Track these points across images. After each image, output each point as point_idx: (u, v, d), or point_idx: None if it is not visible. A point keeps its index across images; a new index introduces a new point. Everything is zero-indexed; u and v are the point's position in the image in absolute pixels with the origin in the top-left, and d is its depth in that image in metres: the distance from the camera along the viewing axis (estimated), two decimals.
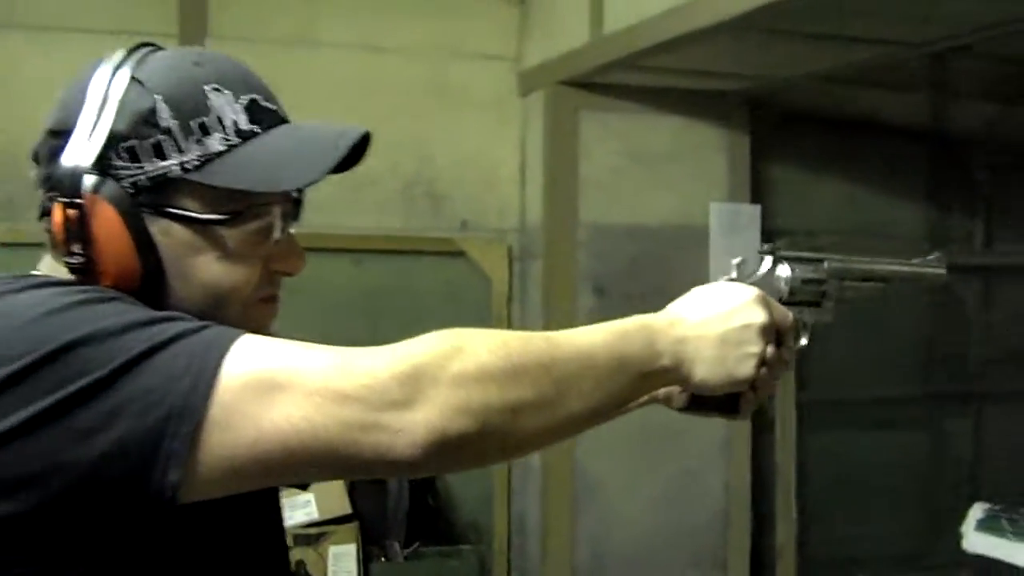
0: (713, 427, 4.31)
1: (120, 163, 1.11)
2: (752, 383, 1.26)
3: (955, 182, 5.25)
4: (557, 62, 3.96)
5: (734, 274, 1.37)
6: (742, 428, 4.40)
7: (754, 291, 1.28)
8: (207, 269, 1.15)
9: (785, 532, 4.55)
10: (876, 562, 4.73)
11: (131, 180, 1.11)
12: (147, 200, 1.12)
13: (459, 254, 4.22)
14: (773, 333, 1.27)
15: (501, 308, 4.28)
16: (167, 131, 1.12)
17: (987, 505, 4.20)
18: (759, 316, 1.26)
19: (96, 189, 1.11)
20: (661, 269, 4.27)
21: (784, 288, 1.36)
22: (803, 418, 4.64)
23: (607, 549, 4.22)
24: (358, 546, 3.62)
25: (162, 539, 1.07)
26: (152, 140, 1.12)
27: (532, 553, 4.25)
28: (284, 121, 1.19)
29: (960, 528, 4.22)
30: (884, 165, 4.98)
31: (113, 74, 1.13)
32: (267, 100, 1.18)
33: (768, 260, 1.37)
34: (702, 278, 4.07)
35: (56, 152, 1.13)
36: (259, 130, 1.16)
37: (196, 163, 1.12)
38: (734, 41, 3.29)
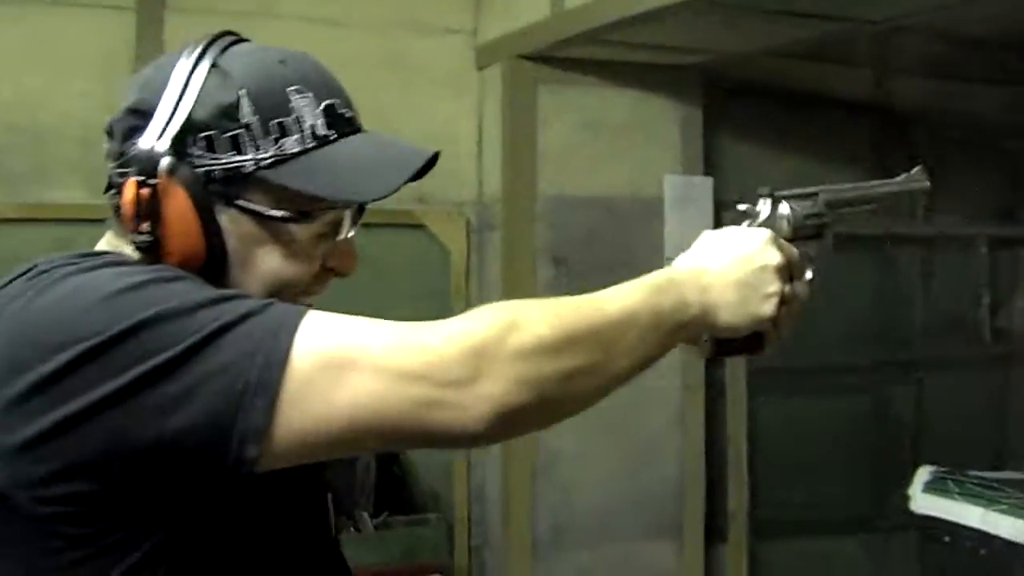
0: (668, 398, 4.39)
1: (196, 150, 1.14)
2: (773, 320, 1.32)
3: (898, 155, 5.34)
4: (516, 36, 3.99)
5: (742, 207, 1.43)
6: (696, 398, 4.48)
7: (765, 233, 1.34)
8: (269, 261, 1.19)
9: (737, 498, 4.64)
10: (825, 525, 4.84)
11: (204, 168, 1.14)
12: (218, 189, 1.15)
13: (418, 227, 4.25)
14: (787, 271, 1.33)
15: (460, 280, 4.31)
16: (246, 126, 1.15)
17: (933, 468, 4.32)
18: (775, 256, 1.32)
19: (171, 172, 1.13)
20: (618, 240, 4.32)
21: (787, 227, 1.40)
22: (753, 387, 4.73)
23: (566, 518, 4.27)
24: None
25: (231, 507, 1.11)
26: (230, 133, 1.15)
27: (492, 522, 4.29)
28: (359, 129, 1.23)
29: (907, 491, 4.34)
30: (830, 139, 5.06)
31: (198, 61, 1.16)
32: (345, 106, 1.22)
33: (768, 202, 1.41)
34: (657, 248, 4.14)
35: (134, 131, 1.16)
36: (334, 136, 1.19)
37: (270, 161, 1.16)
38: (696, 17, 3.34)
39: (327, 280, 1.27)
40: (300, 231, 1.20)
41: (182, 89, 1.15)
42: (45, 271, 1.10)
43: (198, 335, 1.02)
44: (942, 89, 5.28)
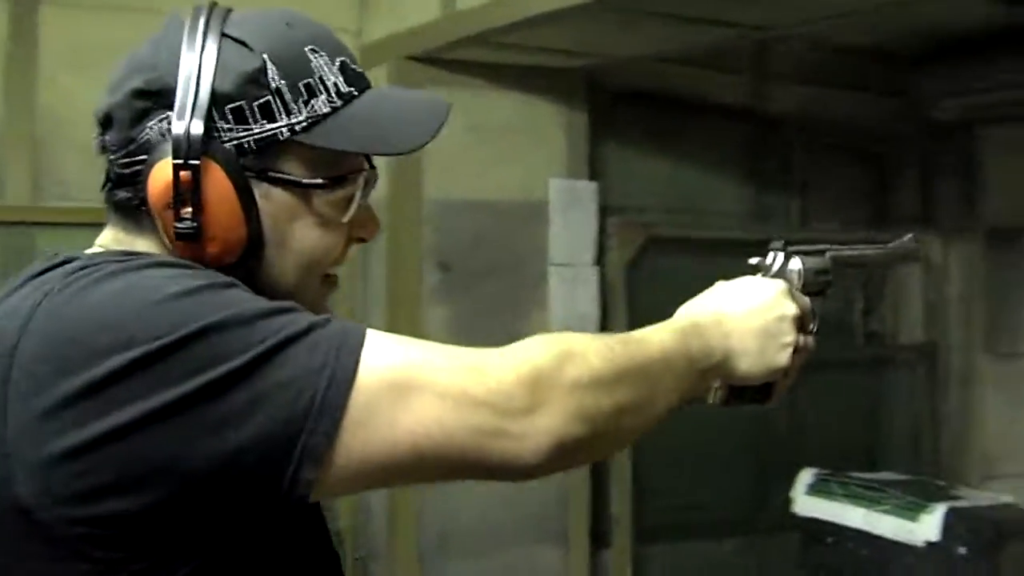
0: None
1: (223, 124, 1.07)
2: (786, 370, 1.31)
3: (773, 161, 5.44)
4: (405, 37, 3.93)
5: (755, 260, 1.47)
6: None
7: (781, 284, 1.38)
8: (303, 235, 1.12)
9: (621, 503, 4.64)
10: (708, 527, 4.88)
11: (236, 142, 1.07)
12: (250, 163, 1.08)
13: None
14: (801, 322, 1.36)
15: (344, 285, 4.22)
16: (276, 92, 1.09)
17: (815, 470, 4.39)
18: (791, 308, 1.34)
19: (208, 151, 1.06)
20: (503, 244, 4.30)
21: (798, 281, 1.42)
22: None
23: (452, 527, 4.22)
24: None
25: (268, 537, 1.04)
26: (260, 101, 1.08)
27: (377, 533, 4.22)
28: (369, 84, 1.18)
29: (790, 493, 4.39)
30: (709, 144, 5.12)
31: (205, 33, 1.09)
32: (354, 63, 1.17)
33: (780, 255, 1.44)
34: (542, 253, 4.11)
35: (144, 114, 1.08)
36: (356, 93, 1.14)
37: (304, 125, 1.09)
38: (591, 20, 3.32)
39: (347, 251, 1.22)
40: (330, 199, 1.14)
41: (198, 63, 1.07)
42: (89, 266, 1.02)
43: (262, 346, 0.95)
44: (816, 96, 5.38)
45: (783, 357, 1.32)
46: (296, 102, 1.09)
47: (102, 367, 0.93)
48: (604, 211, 4.61)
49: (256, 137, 1.08)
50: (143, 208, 1.09)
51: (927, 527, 3.87)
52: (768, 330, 1.31)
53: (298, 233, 1.12)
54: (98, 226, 1.16)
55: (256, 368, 0.94)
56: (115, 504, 0.93)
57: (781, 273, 1.43)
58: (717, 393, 1.39)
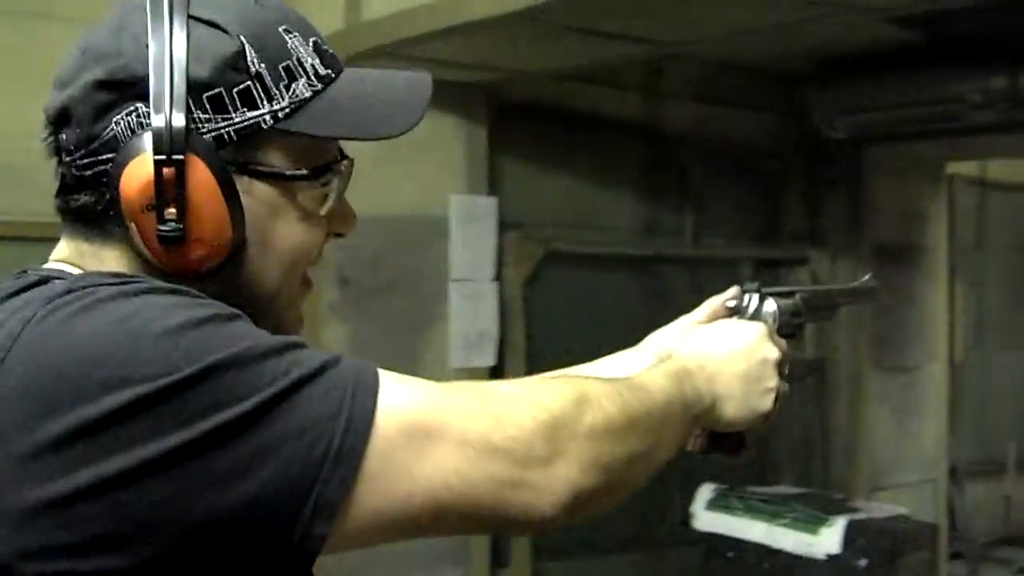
0: None
1: (202, 115, 0.97)
2: (767, 416, 1.28)
3: (668, 177, 5.47)
4: None
5: (733, 292, 1.43)
6: None
7: (762, 327, 1.32)
8: (287, 232, 1.04)
9: None
10: (607, 543, 4.87)
11: (215, 133, 0.98)
12: (231, 156, 0.99)
13: None
14: (782, 366, 1.31)
15: None
16: (257, 77, 1.00)
17: (714, 485, 4.41)
18: (773, 351, 1.30)
19: (189, 145, 0.96)
20: (403, 260, 4.25)
21: (772, 323, 1.39)
22: None
23: (357, 552, 4.13)
24: None
25: None
26: (240, 87, 0.99)
27: None
28: (343, 66, 1.10)
29: (690, 508, 4.40)
30: (604, 160, 5.13)
31: (171, 16, 0.98)
32: (325, 43, 1.08)
33: (756, 297, 1.41)
34: (442, 269, 4.06)
35: (108, 107, 0.97)
36: (333, 75, 1.05)
37: (287, 111, 1.01)
38: (504, 34, 3.30)
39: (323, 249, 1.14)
40: (316, 191, 1.05)
41: (169, 47, 0.97)
42: (75, 289, 0.91)
43: (272, 389, 0.86)
44: (709, 113, 5.44)
45: (767, 402, 1.27)
46: (277, 87, 1.00)
47: (94, 408, 0.83)
48: (503, 226, 4.58)
49: (237, 127, 0.99)
50: (110, 213, 0.98)
51: (828, 540, 3.91)
52: (752, 374, 1.26)
53: (281, 230, 1.03)
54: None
55: (266, 413, 0.85)
56: (104, 560, 0.83)
57: (756, 315, 1.40)
58: (697, 440, 1.35)
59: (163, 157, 0.94)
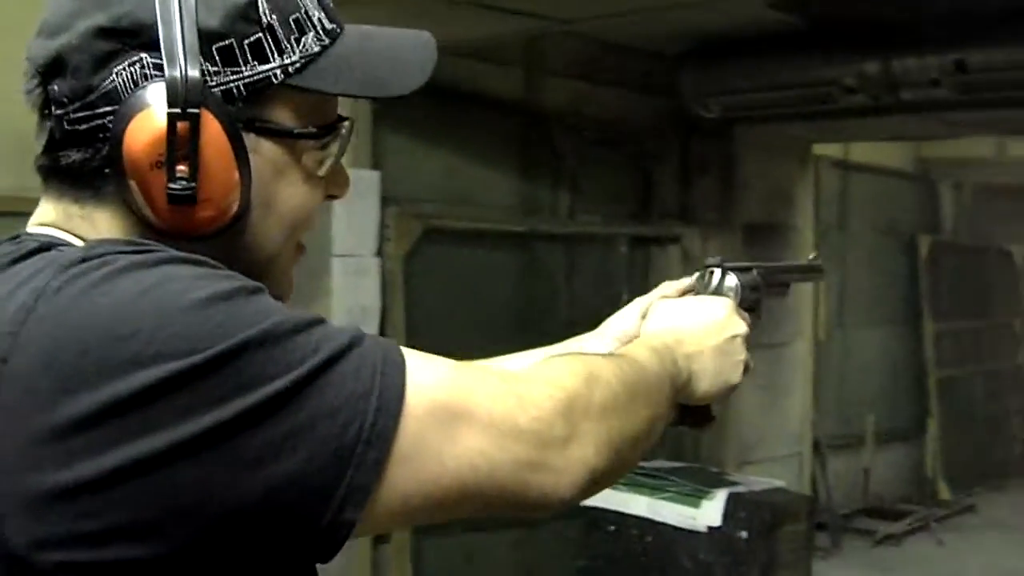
0: None
1: (211, 67, 0.91)
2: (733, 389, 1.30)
3: (544, 155, 5.49)
4: None
5: (688, 281, 1.42)
6: None
7: (730, 302, 1.33)
8: (290, 194, 0.98)
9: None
10: (487, 518, 4.86)
11: (223, 87, 0.92)
12: (238, 111, 0.93)
13: None
14: (748, 340, 1.32)
15: None
16: (268, 28, 0.93)
17: None
18: (742, 326, 1.31)
19: (204, 98, 0.89)
20: None
21: (734, 298, 1.40)
22: None
23: None
24: None
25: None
26: (251, 39, 0.93)
27: None
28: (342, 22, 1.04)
29: None
30: (484, 137, 5.13)
31: None
32: None
33: (718, 272, 1.41)
34: (326, 244, 3.99)
35: (109, 57, 0.90)
36: (338, 29, 0.99)
37: (297, 66, 0.95)
38: (396, 6, 3.25)
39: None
40: (316, 152, 0.99)
41: None
42: (91, 258, 0.84)
43: (304, 367, 0.81)
44: (585, 92, 5.46)
45: (737, 375, 1.28)
46: (288, 40, 0.95)
47: (123, 385, 0.77)
48: (385, 201, 4.54)
49: (246, 81, 0.93)
50: (104, 171, 0.91)
51: (709, 513, 3.98)
52: (723, 349, 1.26)
53: (283, 191, 0.98)
54: None
55: (298, 392, 0.80)
56: (127, 550, 0.78)
57: (719, 290, 1.42)
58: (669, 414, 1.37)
59: (177, 110, 0.88)
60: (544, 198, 5.62)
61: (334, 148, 1.01)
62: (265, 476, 0.79)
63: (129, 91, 0.90)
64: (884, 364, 8.02)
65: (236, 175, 0.92)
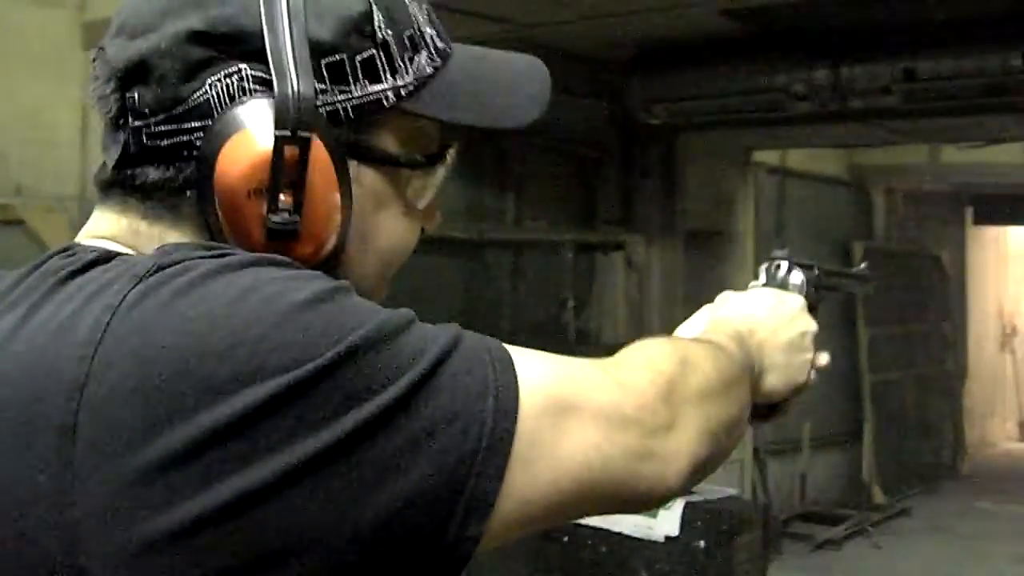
0: None
1: (319, 85, 0.82)
2: (800, 390, 1.23)
3: (490, 162, 5.45)
4: None
5: (762, 279, 1.32)
6: None
7: (801, 299, 1.26)
8: (390, 228, 0.89)
9: None
10: None
11: (330, 108, 0.82)
12: (343, 135, 0.83)
13: (16, 222, 3.79)
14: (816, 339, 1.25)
15: None
16: (383, 45, 0.84)
17: None
18: (812, 323, 1.24)
19: (315, 120, 0.80)
20: None
21: (800, 294, 1.34)
22: None
23: None
24: None
25: None
26: (364, 56, 0.83)
27: None
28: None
29: None
30: None
31: None
32: (433, 9, 0.93)
33: (784, 265, 1.34)
34: None
35: (202, 65, 0.81)
36: (448, 50, 0.90)
37: (410, 89, 0.86)
38: None
39: None
40: (419, 181, 0.91)
41: (287, 2, 0.81)
42: (169, 265, 0.75)
43: (416, 369, 0.73)
44: None
45: (804, 375, 1.21)
46: (402, 59, 0.86)
47: (226, 408, 0.69)
48: None
49: (355, 103, 0.83)
50: (186, 193, 0.82)
51: (666, 523, 3.95)
52: (794, 344, 1.19)
53: (383, 225, 0.89)
54: None
55: (413, 399, 0.72)
56: None
57: (783, 285, 1.36)
58: None
59: (286, 132, 0.79)
60: (490, 204, 5.58)
61: (437, 178, 0.92)
62: (387, 494, 0.71)
63: (224, 106, 0.80)
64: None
65: (340, 207, 0.83)
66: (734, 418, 0.97)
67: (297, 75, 0.80)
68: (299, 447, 0.69)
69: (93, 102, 0.85)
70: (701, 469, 0.91)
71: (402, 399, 0.71)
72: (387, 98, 0.85)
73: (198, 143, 0.81)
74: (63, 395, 0.70)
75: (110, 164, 0.84)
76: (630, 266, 6.20)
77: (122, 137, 0.82)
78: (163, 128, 0.81)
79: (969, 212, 9.87)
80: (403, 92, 0.85)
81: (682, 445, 0.87)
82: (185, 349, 0.70)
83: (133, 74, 0.81)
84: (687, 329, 1.22)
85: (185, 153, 0.81)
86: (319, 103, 0.81)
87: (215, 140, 0.80)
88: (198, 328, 0.70)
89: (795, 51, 4.80)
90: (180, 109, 0.80)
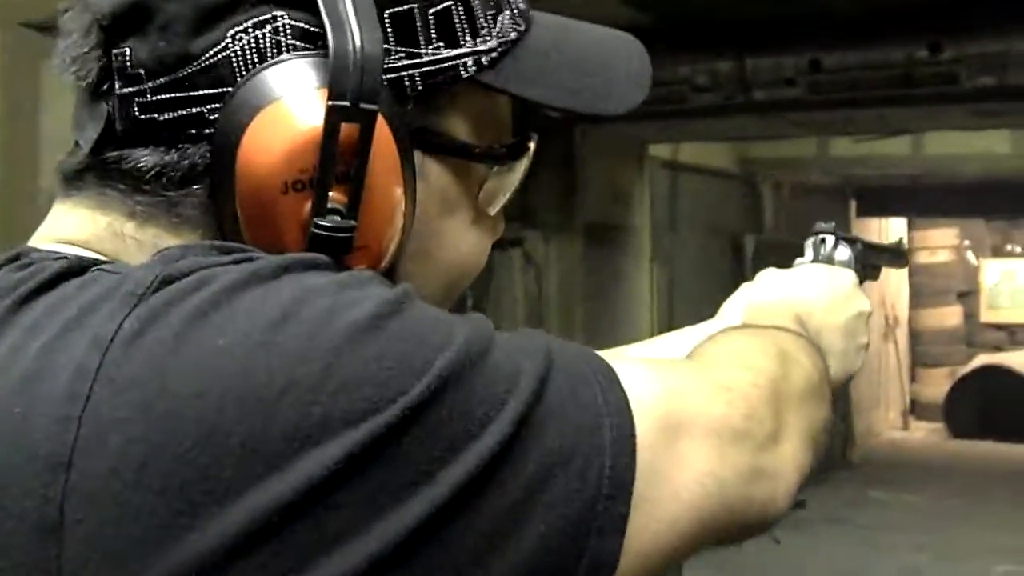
0: None
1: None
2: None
3: None
4: (19, 0, 3.42)
5: (809, 255, 1.18)
6: None
7: (853, 275, 1.11)
8: (459, 237, 0.71)
9: None
10: None
11: (393, 76, 0.63)
12: (410, 115, 0.64)
13: None
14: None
15: None
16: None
17: None
18: (866, 303, 1.09)
19: (378, 90, 0.60)
20: None
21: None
22: None
23: None
24: None
25: None
26: (438, 7, 0.64)
27: None
28: None
29: None
30: None
31: None
32: None
33: (831, 240, 1.19)
34: None
35: (219, 12, 0.60)
36: (531, 12, 0.72)
37: (495, 55, 0.67)
38: None
39: None
40: (499, 181, 0.72)
41: None
42: (177, 277, 0.55)
43: (518, 399, 0.56)
44: None
45: (859, 361, 1.07)
46: (485, 16, 0.66)
47: (278, 485, 0.51)
48: None
49: (425, 71, 0.63)
50: (194, 186, 0.62)
51: None
52: (849, 328, 1.05)
53: (451, 234, 0.70)
54: None
55: (517, 439, 0.55)
56: None
57: (829, 261, 1.22)
58: None
59: (344, 104, 0.58)
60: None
61: (516, 177, 0.74)
62: (503, 560, 0.54)
63: (252, 66, 0.60)
64: None
65: (402, 209, 0.64)
66: (829, 417, 0.82)
67: (359, 25, 0.60)
68: (385, 526, 0.51)
69: (64, 68, 0.65)
70: (804, 482, 0.76)
71: (507, 442, 0.54)
72: (466, 67, 0.65)
73: (212, 117, 0.61)
74: (39, 480, 0.51)
75: (86, 146, 0.64)
76: (528, 262, 6.08)
77: (105, 109, 0.62)
78: (164, 96, 0.61)
79: (853, 205, 9.99)
80: (484, 60, 0.66)
81: (788, 457, 0.72)
82: (216, 400, 0.51)
83: (124, 21, 0.61)
84: (729, 314, 1.06)
85: (193, 131, 0.61)
86: (385, 70, 0.61)
87: (238, 113, 0.60)
88: (229, 367, 0.52)
89: (698, 42, 4.73)
90: (188, 70, 0.61)
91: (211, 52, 0.61)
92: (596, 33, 0.78)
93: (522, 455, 0.55)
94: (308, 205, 0.60)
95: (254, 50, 0.61)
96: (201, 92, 0.61)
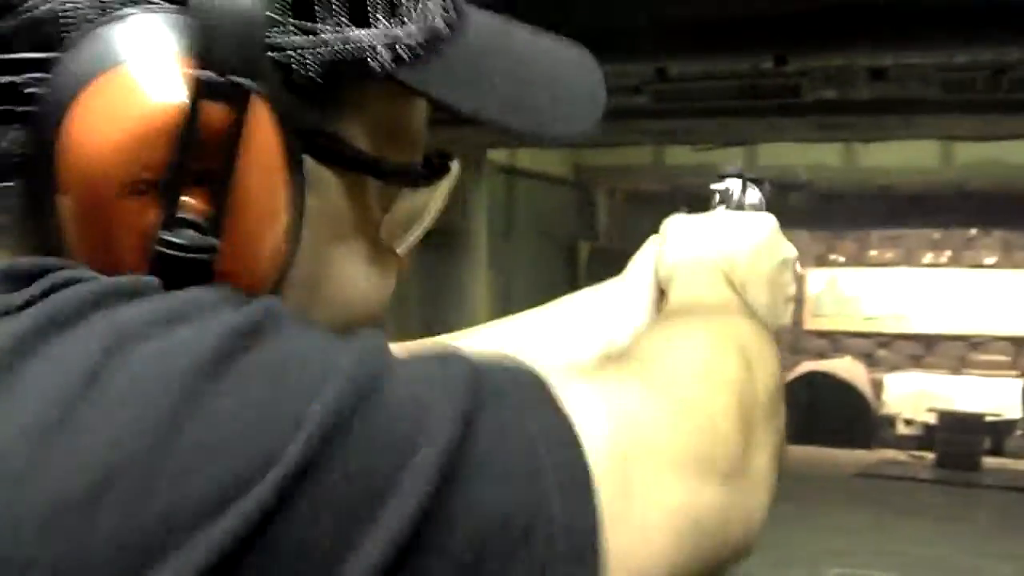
0: None
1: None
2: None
3: None
4: None
5: (717, 202, 1.04)
6: None
7: (771, 219, 0.97)
8: (353, 271, 0.54)
9: None
10: None
11: (281, 58, 0.47)
12: (304, 114, 0.48)
13: None
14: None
15: None
16: None
17: None
18: (791, 249, 0.95)
19: (256, 64, 0.45)
20: None
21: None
22: None
23: None
24: None
25: None
26: None
27: None
28: None
29: None
30: None
31: None
32: None
33: (739, 183, 1.05)
34: None
35: None
36: (466, 8, 0.56)
37: (415, 47, 0.50)
38: None
39: None
40: (412, 206, 0.56)
41: None
42: (105, 345, 0.38)
43: (431, 448, 0.40)
44: None
45: (788, 313, 0.96)
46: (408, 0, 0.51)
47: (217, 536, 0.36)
48: None
49: (325, 57, 0.48)
50: (8, 183, 0.46)
51: None
52: (775, 279, 0.93)
53: (347, 264, 0.54)
54: None
55: (440, 499, 0.41)
56: None
57: (740, 208, 1.08)
58: None
59: (212, 77, 0.44)
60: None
61: (434, 203, 0.58)
62: None
63: (83, 23, 0.45)
64: None
65: (284, 223, 0.48)
66: (784, 418, 0.68)
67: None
68: None
69: None
70: (768, 505, 0.62)
71: (428, 502, 0.40)
72: (378, 57, 0.49)
73: (28, 91, 0.45)
74: None
75: None
76: None
77: None
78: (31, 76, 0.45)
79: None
80: (403, 52, 0.50)
81: (760, 479, 0.60)
82: (7, 526, 0.36)
83: None
84: (638, 274, 0.95)
85: (7, 108, 0.45)
86: (276, 49, 0.46)
87: (64, 86, 0.44)
88: (15, 472, 0.37)
89: (618, 45, 4.65)
90: (1, 27, 0.45)
91: (31, 2, 0.45)
92: (543, 41, 0.62)
93: (447, 522, 0.40)
94: (155, 212, 0.44)
95: (90, 1, 0.44)
96: (17, 56, 0.45)
